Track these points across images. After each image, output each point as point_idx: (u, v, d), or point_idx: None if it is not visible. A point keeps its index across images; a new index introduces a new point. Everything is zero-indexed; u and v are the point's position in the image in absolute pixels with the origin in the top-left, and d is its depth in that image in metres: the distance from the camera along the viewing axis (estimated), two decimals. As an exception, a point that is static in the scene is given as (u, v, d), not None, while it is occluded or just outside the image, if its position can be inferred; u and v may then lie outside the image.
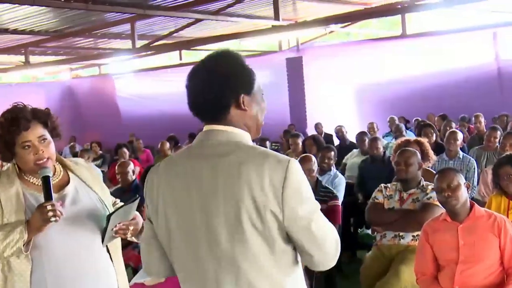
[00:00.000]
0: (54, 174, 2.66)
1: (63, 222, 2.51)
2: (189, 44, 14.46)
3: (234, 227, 1.80)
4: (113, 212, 2.63)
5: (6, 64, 16.31)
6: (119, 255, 2.79)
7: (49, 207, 2.47)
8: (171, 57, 20.47)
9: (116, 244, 2.77)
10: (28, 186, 2.62)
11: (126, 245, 5.66)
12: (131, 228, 2.71)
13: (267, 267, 1.85)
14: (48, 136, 2.64)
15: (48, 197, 2.55)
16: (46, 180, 2.57)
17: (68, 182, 2.71)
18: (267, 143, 9.84)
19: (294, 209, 1.81)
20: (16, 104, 2.62)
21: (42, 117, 2.64)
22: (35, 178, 2.63)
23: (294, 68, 14.93)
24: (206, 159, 1.88)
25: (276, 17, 10.86)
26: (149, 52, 14.35)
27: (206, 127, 1.96)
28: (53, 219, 2.48)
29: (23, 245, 2.45)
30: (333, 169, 6.75)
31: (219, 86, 1.91)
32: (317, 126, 12.64)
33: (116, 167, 6.77)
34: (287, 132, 11.95)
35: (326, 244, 1.91)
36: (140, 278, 4.53)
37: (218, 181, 1.83)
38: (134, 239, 2.77)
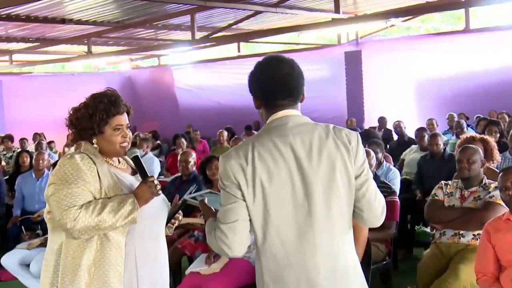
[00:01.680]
0: (119, 163, 2.85)
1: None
2: (248, 36, 14.47)
3: (329, 182, 2.27)
4: (183, 203, 2.89)
5: (69, 53, 16.71)
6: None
7: (156, 182, 2.67)
8: (229, 49, 20.57)
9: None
10: (110, 166, 2.77)
11: (182, 233, 5.73)
12: (180, 217, 3.02)
13: (349, 215, 2.34)
14: None
15: (146, 173, 2.74)
16: (137, 159, 2.78)
17: (135, 171, 2.86)
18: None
19: (362, 165, 2.34)
20: (109, 89, 2.82)
21: (127, 107, 2.84)
22: (112, 160, 2.79)
23: (353, 62, 14.79)
24: (294, 136, 2.29)
25: (337, 10, 10.74)
26: (208, 44, 14.41)
27: (283, 113, 2.35)
28: (160, 192, 2.69)
29: None
30: (385, 162, 6.65)
31: (301, 77, 2.40)
32: (381, 120, 12.71)
33: (179, 155, 6.83)
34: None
35: (375, 204, 2.37)
36: (196, 267, 4.58)
37: (312, 151, 2.27)
38: (167, 231, 2.96)
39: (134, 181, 2.81)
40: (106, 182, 2.65)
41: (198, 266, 4.57)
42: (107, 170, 2.70)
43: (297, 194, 2.26)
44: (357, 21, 11.47)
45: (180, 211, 3.01)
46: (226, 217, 2.27)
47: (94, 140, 2.74)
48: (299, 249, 2.27)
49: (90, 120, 2.70)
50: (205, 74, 18.81)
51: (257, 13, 11.82)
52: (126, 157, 2.87)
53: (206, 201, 2.67)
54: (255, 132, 13.88)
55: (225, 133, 11.04)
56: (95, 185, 2.62)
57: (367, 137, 7.83)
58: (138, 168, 2.76)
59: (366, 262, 4.21)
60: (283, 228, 2.26)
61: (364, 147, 6.21)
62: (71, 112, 2.78)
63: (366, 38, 15.86)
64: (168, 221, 2.91)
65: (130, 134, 2.82)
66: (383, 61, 14.43)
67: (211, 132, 15.23)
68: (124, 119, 2.78)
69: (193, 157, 6.75)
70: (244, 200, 2.26)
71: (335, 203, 2.29)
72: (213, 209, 2.60)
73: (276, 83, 2.35)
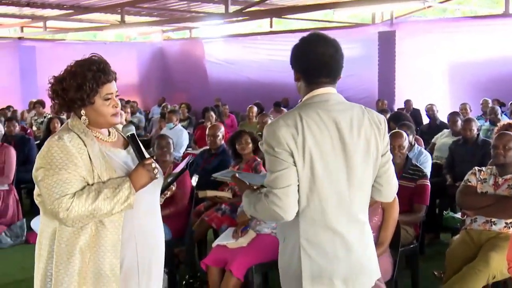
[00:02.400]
0: (109, 135, 2.68)
1: None
2: (282, 11, 14.31)
3: (365, 156, 2.49)
4: (185, 168, 2.80)
5: (102, 22, 16.75)
6: None
7: (154, 165, 2.54)
8: (261, 24, 20.42)
9: None
10: (101, 143, 2.60)
11: (210, 206, 5.75)
12: (173, 188, 2.94)
13: (371, 189, 2.61)
14: None
15: (143, 155, 2.60)
16: (134, 137, 2.62)
17: (127, 142, 2.71)
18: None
19: (386, 146, 2.59)
20: (94, 55, 2.62)
21: (115, 74, 2.65)
22: (101, 133, 2.62)
23: (386, 43, 14.60)
24: (337, 113, 2.46)
25: (373, -12, 10.57)
26: (240, 18, 14.30)
27: (324, 90, 2.50)
28: (158, 176, 2.57)
29: None
30: (416, 145, 6.56)
31: (342, 59, 2.53)
32: (407, 102, 12.66)
33: (208, 129, 6.82)
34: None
35: (393, 181, 2.67)
36: (223, 240, 4.59)
37: (353, 128, 2.46)
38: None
39: (127, 157, 2.66)
40: (98, 164, 2.49)
41: (225, 240, 4.58)
42: (98, 150, 2.52)
43: (339, 165, 2.45)
44: (394, 1, 11.25)
45: (174, 183, 2.90)
46: (279, 182, 2.38)
47: (83, 112, 2.55)
48: (337, 215, 2.46)
49: (79, 90, 2.50)
50: (236, 49, 18.73)
51: (292, -12, 11.69)
52: (116, 126, 2.72)
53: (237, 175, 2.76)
54: (284, 109, 13.84)
55: (255, 109, 11.00)
56: (87, 168, 2.45)
57: (398, 119, 7.73)
58: (135, 148, 2.61)
59: (395, 244, 4.18)
60: (325, 195, 2.43)
61: (395, 129, 6.16)
62: (54, 82, 2.57)
63: (401, 18, 15.59)
64: (162, 192, 2.79)
65: (119, 102, 2.64)
66: (418, 43, 14.19)
67: (239, 107, 15.20)
68: (113, 87, 2.58)
69: (221, 131, 6.73)
70: (295, 166, 2.38)
71: (367, 176, 2.53)
72: (247, 182, 2.70)
73: (320, 63, 2.47)
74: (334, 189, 2.44)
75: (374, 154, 2.52)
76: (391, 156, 2.62)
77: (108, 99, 2.55)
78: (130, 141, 2.64)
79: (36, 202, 2.60)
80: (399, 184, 4.79)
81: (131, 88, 18.77)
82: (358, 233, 2.53)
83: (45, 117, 11.71)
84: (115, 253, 2.50)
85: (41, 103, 12.62)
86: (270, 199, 2.39)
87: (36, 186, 2.54)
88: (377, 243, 3.98)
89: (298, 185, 2.40)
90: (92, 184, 2.46)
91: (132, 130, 2.65)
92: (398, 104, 13.77)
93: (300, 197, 2.41)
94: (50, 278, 2.49)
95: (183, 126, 10.48)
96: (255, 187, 2.65)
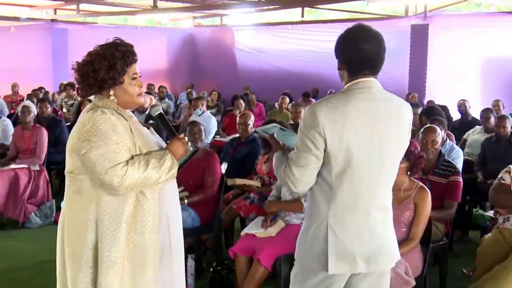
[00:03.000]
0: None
1: None
2: (314, 1, 14.16)
3: (397, 146, 2.61)
4: (196, 150, 2.84)
5: (134, 6, 16.77)
6: None
7: (186, 139, 2.68)
8: (292, 13, 20.31)
9: None
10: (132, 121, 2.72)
11: (238, 194, 5.75)
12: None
13: (396, 171, 2.70)
14: None
15: (174, 131, 2.73)
16: (162, 116, 2.76)
17: (147, 126, 2.84)
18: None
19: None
20: (117, 38, 2.73)
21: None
22: (126, 113, 2.72)
23: (419, 36, 14.43)
24: (378, 101, 2.54)
25: (409, -20, 10.42)
26: (271, 7, 14.22)
27: (367, 79, 2.55)
28: (191, 149, 2.71)
29: None
30: (448, 141, 6.45)
31: (385, 54, 2.58)
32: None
33: (238, 117, 6.82)
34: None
35: None
36: (252, 229, 4.58)
37: (391, 117, 2.56)
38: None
39: (152, 136, 2.79)
40: (140, 139, 2.62)
41: (254, 229, 4.57)
42: (135, 126, 2.66)
43: (374, 152, 2.53)
44: (428, -7, 11.10)
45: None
46: (299, 160, 2.52)
47: (111, 92, 2.65)
48: (367, 199, 2.57)
49: (110, 69, 2.60)
50: (266, 38, 18.67)
51: (326, -22, 11.58)
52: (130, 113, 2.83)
53: (275, 135, 2.94)
54: (313, 99, 13.80)
55: (287, 99, 10.97)
56: (131, 141, 2.58)
57: (430, 113, 7.62)
58: (165, 126, 2.73)
59: (425, 241, 4.14)
60: (358, 179, 2.52)
61: (427, 123, 6.07)
62: (80, 66, 2.66)
63: (434, 12, 15.37)
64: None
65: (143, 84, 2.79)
66: (451, 37, 13.99)
67: (268, 96, 15.18)
68: (137, 68, 2.71)
69: (251, 119, 6.73)
70: (325, 151, 2.48)
71: (395, 165, 2.65)
72: (281, 143, 2.87)
73: (363, 58, 2.53)
74: (366, 175, 2.53)
75: (403, 145, 2.65)
76: None
77: (135, 78, 2.68)
78: (158, 120, 2.77)
79: (68, 178, 2.65)
80: (431, 180, 4.87)
81: (161, 73, 18.85)
82: (383, 218, 2.64)
83: (75, 99, 11.80)
84: (155, 222, 2.62)
85: (72, 86, 12.70)
86: (287, 170, 2.56)
87: (68, 162, 2.62)
88: (408, 238, 3.97)
89: (332, 167, 2.49)
90: (139, 155, 2.58)
91: (160, 109, 2.79)
92: (429, 98, 13.61)
93: (333, 179, 2.52)
94: (95, 249, 2.55)
95: (211, 113, 10.48)
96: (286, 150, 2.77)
